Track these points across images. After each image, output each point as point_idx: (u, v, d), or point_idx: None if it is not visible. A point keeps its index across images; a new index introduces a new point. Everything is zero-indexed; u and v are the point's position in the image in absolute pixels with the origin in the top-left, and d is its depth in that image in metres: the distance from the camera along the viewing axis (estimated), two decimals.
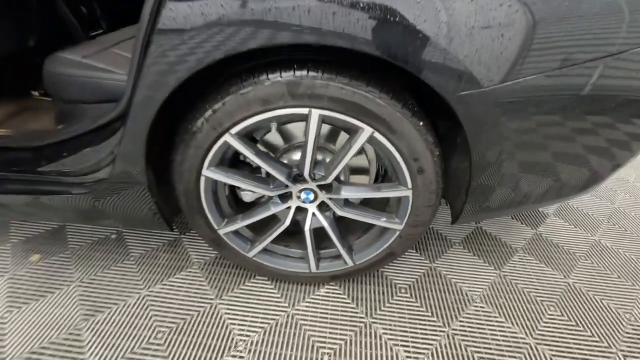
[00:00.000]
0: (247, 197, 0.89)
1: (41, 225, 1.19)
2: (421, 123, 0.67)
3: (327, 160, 0.83)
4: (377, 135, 0.67)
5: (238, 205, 0.94)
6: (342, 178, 0.87)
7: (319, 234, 0.89)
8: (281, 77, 0.62)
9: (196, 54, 0.59)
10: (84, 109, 0.93)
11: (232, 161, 0.84)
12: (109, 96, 0.89)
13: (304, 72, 0.62)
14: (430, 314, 0.92)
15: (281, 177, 0.77)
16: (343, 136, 0.83)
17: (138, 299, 0.95)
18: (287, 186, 0.80)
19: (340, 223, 0.89)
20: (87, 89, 0.90)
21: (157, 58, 0.60)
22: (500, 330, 0.88)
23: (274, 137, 0.84)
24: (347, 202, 0.85)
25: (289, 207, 0.85)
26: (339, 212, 0.83)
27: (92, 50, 0.99)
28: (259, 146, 0.84)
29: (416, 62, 0.56)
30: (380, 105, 0.63)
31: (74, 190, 0.85)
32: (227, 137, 0.69)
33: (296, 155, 0.84)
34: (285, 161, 0.83)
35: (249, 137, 0.78)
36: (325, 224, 0.86)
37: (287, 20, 0.54)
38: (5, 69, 1.21)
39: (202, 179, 0.76)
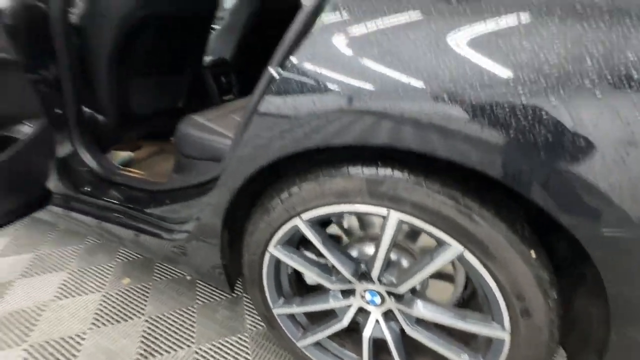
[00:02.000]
0: (309, 279, 0.83)
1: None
2: (533, 253, 0.51)
3: (403, 263, 0.72)
4: (468, 255, 0.54)
5: (300, 285, 0.89)
6: (417, 288, 0.73)
7: (381, 345, 0.75)
8: (362, 172, 0.57)
9: (284, 141, 0.60)
10: (195, 165, 1.07)
11: (303, 239, 0.81)
12: (218, 157, 1.01)
13: (388, 171, 0.56)
14: None
15: (345, 272, 0.68)
16: (427, 237, 0.71)
17: (186, 353, 0.95)
18: (351, 282, 0.71)
19: (407, 339, 0.74)
20: (200, 147, 1.04)
21: (252, 136, 0.64)
22: None
23: (349, 220, 0.78)
24: (420, 319, 0.70)
25: (349, 305, 0.75)
26: (408, 331, 0.69)
27: (215, 115, 1.15)
28: (332, 227, 0.80)
29: (540, 188, 0.43)
30: (477, 223, 0.51)
31: (164, 234, 0.94)
32: (297, 221, 0.66)
33: (368, 248, 0.75)
34: (355, 253, 0.75)
35: (322, 222, 0.74)
36: (389, 338, 0.72)
37: (388, 126, 0.50)
38: (156, 120, 1.53)
39: (267, 255, 0.74)
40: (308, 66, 0.55)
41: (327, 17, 0.56)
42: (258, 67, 1.96)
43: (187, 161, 1.08)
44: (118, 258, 1.32)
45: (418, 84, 0.47)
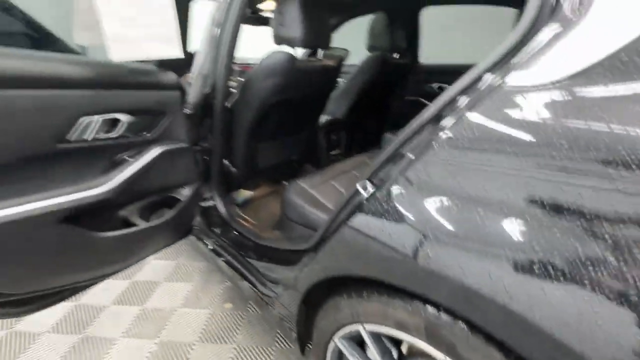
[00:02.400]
0: None
1: None
2: None
3: None
4: None
5: None
6: None
7: None
8: (423, 311, 0.60)
9: (359, 262, 0.67)
10: (294, 228, 1.24)
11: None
12: (314, 226, 1.15)
13: (451, 320, 0.57)
14: None
15: None
16: None
17: None
18: None
19: None
20: (299, 214, 1.21)
21: (337, 245, 0.73)
22: None
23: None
24: None
25: None
26: None
27: (318, 180, 1.32)
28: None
29: None
30: None
31: (258, 285, 1.13)
32: (359, 327, 0.72)
33: None
34: None
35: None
36: None
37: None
38: (275, 170, 1.82)
39: (332, 344, 0.82)
40: (399, 191, 0.59)
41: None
42: (364, 126, 2.10)
43: (288, 223, 1.26)
44: (227, 281, 1.62)
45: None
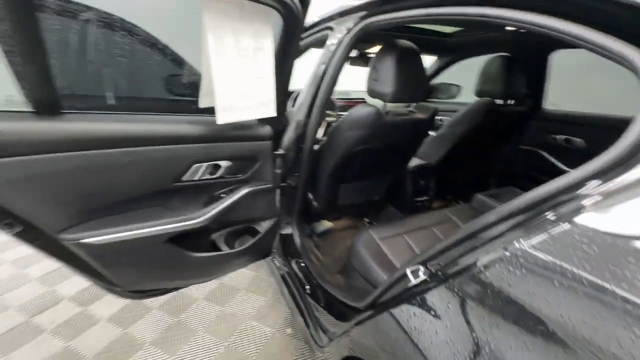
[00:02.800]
0: None
1: None
2: None
3: None
4: None
5: None
6: None
7: None
8: None
9: None
10: (355, 277, 1.25)
11: None
12: (374, 283, 1.14)
13: None
14: None
15: None
16: None
17: None
18: None
19: None
20: (363, 266, 1.21)
21: (371, 327, 0.73)
22: None
23: None
24: None
25: None
26: None
27: (391, 232, 1.29)
28: None
29: None
30: None
31: (310, 326, 1.19)
32: None
33: None
34: None
35: None
36: None
37: None
38: (355, 208, 1.85)
39: None
40: None
41: None
42: (460, 175, 1.93)
43: (352, 271, 1.28)
44: None
45: None
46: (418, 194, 1.84)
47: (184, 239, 1.05)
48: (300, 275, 1.41)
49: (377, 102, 1.29)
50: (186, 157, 0.95)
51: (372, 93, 1.25)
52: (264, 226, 1.27)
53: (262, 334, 1.55)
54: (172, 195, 1.01)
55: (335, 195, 1.64)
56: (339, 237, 1.93)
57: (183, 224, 0.99)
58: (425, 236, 1.32)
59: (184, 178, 0.98)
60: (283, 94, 1.11)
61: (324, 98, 1.27)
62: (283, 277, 1.46)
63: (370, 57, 2.01)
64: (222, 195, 1.12)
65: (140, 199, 0.93)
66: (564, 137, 1.76)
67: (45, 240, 0.81)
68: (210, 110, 0.91)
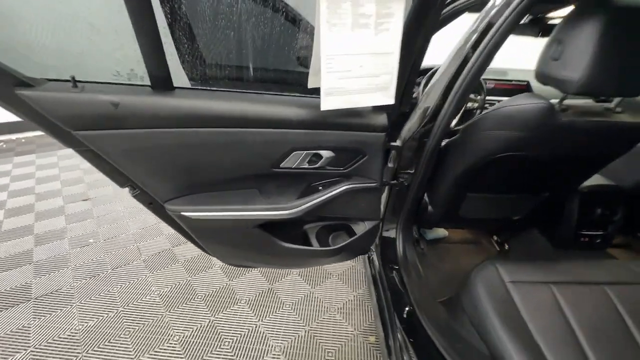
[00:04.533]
0: None
1: None
2: None
3: None
4: None
5: None
6: None
7: None
8: None
9: None
10: (463, 325, 0.97)
11: None
12: (496, 353, 0.84)
13: None
14: None
15: None
16: None
17: None
18: None
19: None
20: (480, 319, 0.90)
21: None
22: None
23: None
24: None
25: None
26: None
27: (532, 276, 0.94)
28: None
29: None
30: None
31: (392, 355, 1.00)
32: None
33: None
34: None
35: None
36: None
37: None
38: (479, 222, 1.47)
39: None
40: None
41: None
42: None
43: (461, 312, 1.00)
44: None
45: None
46: (587, 226, 1.30)
47: (274, 226, 1.00)
48: (393, 290, 1.22)
49: (549, 92, 0.89)
50: (287, 142, 0.86)
51: (544, 78, 0.86)
52: (361, 228, 1.11)
53: (343, 331, 1.47)
54: (268, 180, 0.95)
55: (458, 204, 1.32)
56: (453, 250, 1.60)
57: (275, 213, 0.94)
58: (591, 299, 0.89)
59: (282, 165, 0.90)
60: (410, 76, 0.87)
61: (471, 80, 0.94)
62: (374, 279, 1.30)
63: (549, 25, 1.45)
64: (319, 187, 1.00)
65: (238, 180, 0.91)
66: None
67: (156, 205, 0.88)
68: (319, 92, 0.78)
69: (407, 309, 1.11)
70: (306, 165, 0.93)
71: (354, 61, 0.74)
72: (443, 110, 1.00)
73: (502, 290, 0.91)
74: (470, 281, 0.98)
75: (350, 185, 0.97)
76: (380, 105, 0.85)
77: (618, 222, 1.29)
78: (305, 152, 0.89)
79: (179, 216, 0.87)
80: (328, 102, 0.76)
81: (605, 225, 1.30)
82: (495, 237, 1.61)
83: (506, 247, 1.56)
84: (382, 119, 0.91)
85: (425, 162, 1.10)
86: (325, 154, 0.92)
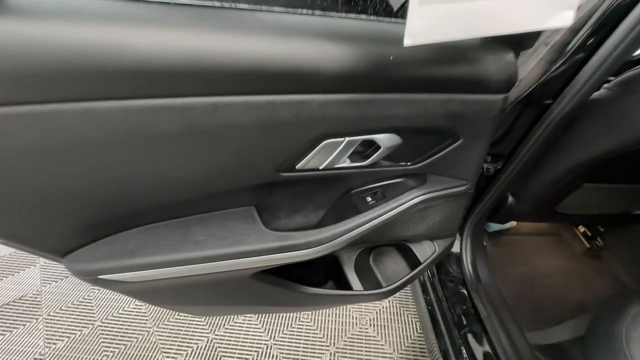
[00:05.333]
0: None
1: None
2: None
3: None
4: None
5: None
6: None
7: None
8: None
9: None
10: None
11: None
12: None
13: None
14: None
15: None
16: None
17: None
18: None
19: None
20: None
21: None
22: None
23: None
24: None
25: None
26: None
27: None
28: None
29: None
30: None
31: None
32: None
33: None
34: None
35: None
36: None
37: None
38: (577, 218, 1.05)
39: None
40: None
41: None
42: None
43: None
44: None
45: None
46: None
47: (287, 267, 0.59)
48: (462, 311, 0.84)
49: None
50: (312, 122, 0.41)
51: None
52: (426, 249, 0.70)
53: (380, 351, 1.14)
54: (273, 189, 0.52)
55: (561, 197, 0.88)
56: (524, 246, 1.20)
57: (290, 255, 0.51)
58: None
59: (301, 166, 0.46)
60: None
61: None
62: (432, 314, 0.92)
63: None
64: (366, 197, 0.57)
65: (216, 198, 0.48)
66: None
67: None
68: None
69: (482, 349, 0.74)
70: (347, 164, 0.49)
71: None
72: (601, 50, 0.51)
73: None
74: (604, 331, 0.59)
75: (426, 196, 0.53)
76: (503, 37, 0.39)
77: None
78: (347, 139, 0.44)
79: (96, 281, 0.45)
80: (422, 32, 0.30)
81: None
82: (582, 229, 1.19)
83: (599, 242, 1.15)
84: (503, 66, 0.44)
85: (542, 139, 0.64)
86: (386, 140, 0.47)
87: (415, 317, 1.27)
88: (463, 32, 0.33)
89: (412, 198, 0.53)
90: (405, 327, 1.23)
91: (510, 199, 0.96)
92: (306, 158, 0.45)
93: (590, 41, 0.53)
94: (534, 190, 0.85)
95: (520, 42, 0.52)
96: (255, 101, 0.38)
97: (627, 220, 1.09)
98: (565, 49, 0.55)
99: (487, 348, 0.75)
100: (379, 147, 0.47)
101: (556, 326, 0.86)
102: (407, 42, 0.32)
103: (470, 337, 0.76)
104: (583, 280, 1.05)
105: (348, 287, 0.65)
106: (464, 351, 0.75)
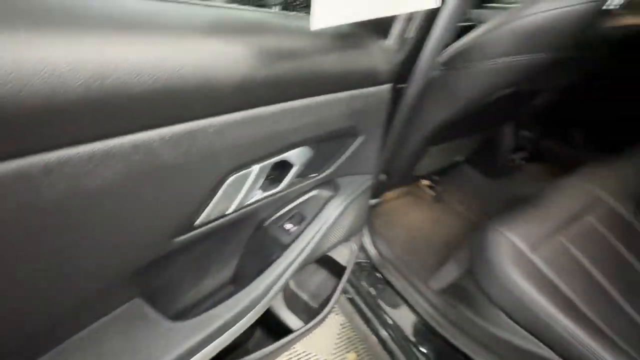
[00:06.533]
0: None
1: None
2: None
3: None
4: None
5: None
6: None
7: None
8: None
9: None
10: (500, 321, 0.74)
11: None
12: (550, 341, 0.63)
13: None
14: None
15: None
16: None
17: None
18: None
19: None
20: (520, 307, 0.68)
21: None
22: None
23: None
24: None
25: None
26: None
27: (535, 233, 0.74)
28: None
29: None
30: None
31: None
32: None
33: None
34: None
35: None
36: None
37: None
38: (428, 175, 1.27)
39: None
40: None
41: None
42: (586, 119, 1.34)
43: (489, 309, 0.76)
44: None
45: None
46: (515, 150, 1.28)
47: None
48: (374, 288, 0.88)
49: None
50: (208, 160, 0.29)
51: None
52: (345, 251, 0.67)
53: None
54: (166, 261, 0.36)
55: (416, 163, 1.04)
56: (397, 209, 1.38)
57: (218, 341, 0.37)
58: (587, 237, 0.79)
59: (201, 220, 0.33)
60: None
61: None
62: (354, 303, 0.92)
63: None
64: (284, 224, 0.48)
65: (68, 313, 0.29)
66: None
67: None
68: None
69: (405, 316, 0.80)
70: (259, 195, 0.39)
71: None
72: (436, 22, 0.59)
73: (526, 260, 0.69)
74: (487, 259, 0.73)
75: (344, 203, 0.49)
76: (380, 20, 0.38)
77: (534, 140, 1.33)
78: (256, 166, 0.34)
79: None
80: (325, 16, 0.24)
81: (526, 146, 1.32)
82: (423, 182, 1.47)
83: (439, 189, 1.46)
84: (386, 56, 0.44)
85: (402, 120, 0.71)
86: (298, 156, 0.39)
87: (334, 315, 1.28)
88: (362, 14, 0.29)
89: (332, 211, 0.48)
90: (326, 330, 1.23)
91: (383, 176, 1.06)
92: (208, 208, 0.32)
93: (421, 27, 0.60)
94: (400, 164, 0.96)
95: (386, 32, 0.53)
96: (113, 147, 0.22)
97: (451, 167, 1.41)
98: (404, 38, 0.61)
99: (408, 311, 0.82)
100: (291, 166, 0.39)
101: (444, 267, 1.03)
102: (314, 26, 0.25)
103: (391, 309, 0.81)
104: (441, 222, 1.30)
105: (285, 328, 0.55)
106: (389, 320, 0.80)
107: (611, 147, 1.05)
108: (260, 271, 0.42)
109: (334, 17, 0.27)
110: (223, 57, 0.27)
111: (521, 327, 0.67)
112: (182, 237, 0.32)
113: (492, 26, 0.63)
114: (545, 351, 0.64)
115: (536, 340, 0.64)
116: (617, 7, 0.74)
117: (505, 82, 0.68)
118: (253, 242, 0.46)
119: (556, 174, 1.05)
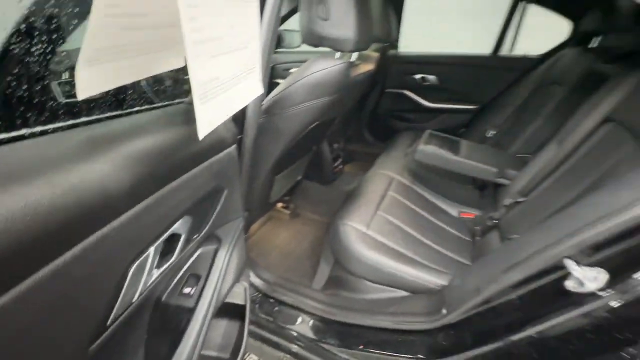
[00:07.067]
0: None
1: None
2: None
3: None
4: None
5: None
6: None
7: None
8: None
9: None
10: (367, 288, 0.98)
11: None
12: (399, 285, 0.91)
13: None
14: None
15: None
16: None
17: None
18: None
19: None
20: (373, 269, 0.93)
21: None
22: None
23: None
24: None
25: None
26: None
27: (366, 216, 1.03)
28: None
29: None
30: None
31: None
32: None
33: None
34: None
35: None
36: None
37: None
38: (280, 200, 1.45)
39: None
40: None
41: None
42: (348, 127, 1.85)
43: (356, 281, 0.99)
44: None
45: None
46: (335, 160, 1.65)
47: None
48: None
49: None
50: (113, 262, 0.33)
51: (317, 38, 0.86)
52: (238, 290, 0.74)
53: None
54: None
55: (270, 191, 1.20)
56: (260, 239, 1.51)
57: None
58: (394, 205, 1.17)
59: (113, 317, 0.35)
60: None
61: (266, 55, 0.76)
62: (256, 335, 0.97)
63: None
64: (186, 290, 0.51)
65: None
66: (420, 76, 1.95)
67: None
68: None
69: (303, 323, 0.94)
70: (157, 272, 0.43)
71: (222, 22, 0.35)
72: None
73: (367, 238, 0.96)
74: (347, 249, 0.97)
75: (228, 252, 0.58)
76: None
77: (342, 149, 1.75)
78: (151, 248, 0.40)
79: None
80: (207, 124, 0.35)
81: (339, 154, 1.72)
82: (280, 204, 1.67)
83: (292, 206, 1.68)
84: (224, 125, 0.56)
85: (247, 162, 0.85)
86: (183, 225, 0.46)
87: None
88: (225, 114, 0.40)
89: (222, 260, 0.54)
90: None
91: (245, 213, 1.16)
92: (117, 304, 0.34)
93: None
94: (257, 199, 1.09)
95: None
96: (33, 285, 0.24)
97: (295, 186, 1.66)
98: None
99: (305, 316, 0.95)
100: (180, 236, 0.44)
101: (318, 268, 1.22)
102: (203, 135, 0.34)
103: (291, 325, 0.92)
104: (303, 232, 1.51)
105: None
106: (293, 333, 0.91)
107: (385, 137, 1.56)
108: (174, 344, 0.44)
109: (214, 119, 0.36)
110: (116, 167, 0.31)
111: (379, 284, 0.91)
112: (97, 343, 0.33)
113: (288, 83, 0.85)
114: (398, 293, 0.90)
115: (390, 288, 0.89)
116: (355, 59, 1.14)
117: (311, 118, 0.92)
118: (154, 321, 0.47)
119: (365, 168, 1.45)
